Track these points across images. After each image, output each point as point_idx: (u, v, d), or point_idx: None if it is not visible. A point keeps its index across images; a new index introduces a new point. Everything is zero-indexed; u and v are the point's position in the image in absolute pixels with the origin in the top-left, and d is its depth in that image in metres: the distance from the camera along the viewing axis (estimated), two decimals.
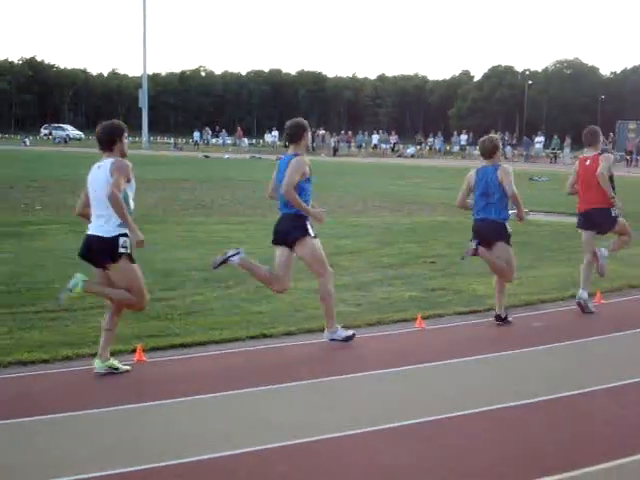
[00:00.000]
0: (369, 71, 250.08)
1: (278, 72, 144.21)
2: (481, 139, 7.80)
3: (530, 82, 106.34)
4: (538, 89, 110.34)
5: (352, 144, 59.85)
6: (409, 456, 4.36)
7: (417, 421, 4.92)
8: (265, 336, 6.94)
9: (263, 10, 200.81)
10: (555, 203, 19.69)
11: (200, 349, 6.53)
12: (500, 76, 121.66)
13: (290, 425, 4.82)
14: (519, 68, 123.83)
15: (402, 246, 12.21)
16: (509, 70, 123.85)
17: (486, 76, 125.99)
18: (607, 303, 8.62)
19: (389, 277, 9.65)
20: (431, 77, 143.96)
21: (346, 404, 5.29)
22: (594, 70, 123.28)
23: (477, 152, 52.00)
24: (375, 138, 60.31)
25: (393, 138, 60.55)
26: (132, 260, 5.76)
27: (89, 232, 5.78)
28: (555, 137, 52.58)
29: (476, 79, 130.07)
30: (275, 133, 63.98)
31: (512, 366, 6.35)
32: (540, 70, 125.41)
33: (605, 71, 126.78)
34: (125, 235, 5.64)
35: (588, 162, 8.09)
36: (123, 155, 5.79)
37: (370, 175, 31.70)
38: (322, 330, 6.86)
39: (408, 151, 57.79)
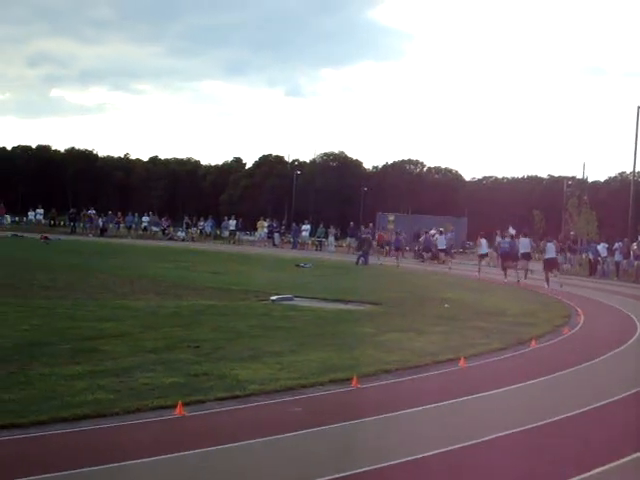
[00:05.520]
0: (141, 152, 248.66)
1: (47, 149, 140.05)
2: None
3: (298, 172, 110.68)
4: (306, 179, 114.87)
5: (122, 225, 58.86)
6: None
7: None
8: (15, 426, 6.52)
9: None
10: (318, 289, 20.35)
11: None
12: (270, 165, 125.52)
13: None
14: (288, 158, 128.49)
15: (166, 330, 12.02)
16: (279, 159, 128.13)
17: (257, 164, 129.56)
18: (363, 387, 8.91)
19: (151, 362, 9.43)
20: (204, 162, 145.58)
21: None
22: (358, 164, 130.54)
23: (246, 237, 52.99)
24: (146, 220, 59.72)
25: (164, 221, 60.29)
26: None
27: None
28: (321, 226, 54.67)
29: (248, 166, 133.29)
30: (40, 211, 61.47)
31: (273, 453, 6.35)
32: (308, 161, 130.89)
33: (368, 165, 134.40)
34: None
35: None
36: None
37: (138, 257, 31.20)
38: (76, 419, 6.62)
39: (179, 234, 57.70)
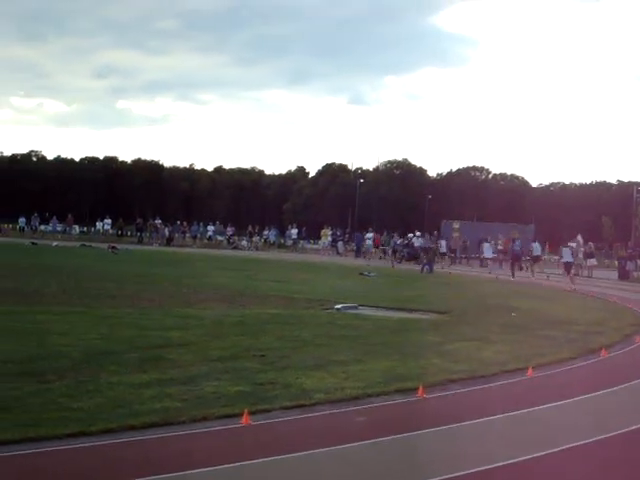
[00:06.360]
0: (206, 163, 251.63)
1: (113, 160, 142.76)
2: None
3: (362, 180, 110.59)
4: (369, 187, 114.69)
5: (187, 234, 59.58)
6: None
7: None
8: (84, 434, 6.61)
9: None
10: (381, 298, 20.25)
11: (14, 447, 6.11)
12: (334, 173, 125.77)
13: None
14: (352, 166, 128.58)
15: (232, 338, 12.09)
16: (342, 168, 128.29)
17: (320, 173, 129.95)
18: (429, 397, 8.81)
19: (217, 370, 9.49)
20: (268, 171, 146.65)
21: None
22: (422, 171, 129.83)
23: (310, 246, 53.90)
24: (211, 229, 60.33)
25: (229, 230, 60.83)
26: None
27: None
28: (385, 234, 54.40)
29: (311, 175, 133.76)
30: (108, 221, 62.57)
31: (338, 463, 6.32)
32: (371, 169, 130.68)
33: (432, 172, 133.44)
34: None
35: None
36: None
37: (204, 266, 31.53)
38: (145, 427, 6.68)
39: (243, 243, 58.15)
